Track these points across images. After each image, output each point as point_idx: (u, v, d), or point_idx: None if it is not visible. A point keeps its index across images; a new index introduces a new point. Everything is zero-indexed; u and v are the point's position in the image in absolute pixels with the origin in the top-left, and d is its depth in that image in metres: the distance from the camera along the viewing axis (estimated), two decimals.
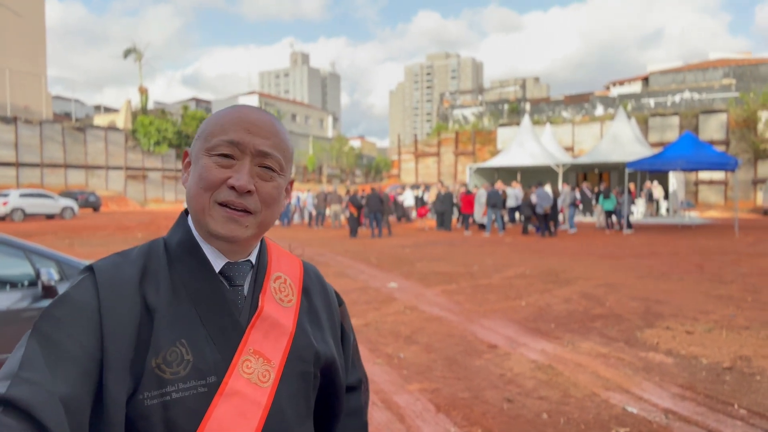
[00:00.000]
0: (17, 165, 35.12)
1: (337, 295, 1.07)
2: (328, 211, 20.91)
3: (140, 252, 0.86)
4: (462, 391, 4.04)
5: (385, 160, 63.89)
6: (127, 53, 49.85)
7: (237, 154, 0.83)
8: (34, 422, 0.64)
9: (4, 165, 34.53)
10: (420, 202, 19.98)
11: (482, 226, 18.49)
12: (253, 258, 0.91)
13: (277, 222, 22.59)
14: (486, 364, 4.64)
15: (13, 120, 35.32)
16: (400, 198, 24.21)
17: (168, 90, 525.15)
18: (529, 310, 6.62)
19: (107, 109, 50.53)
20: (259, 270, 0.92)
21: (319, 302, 1.00)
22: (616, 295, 7.44)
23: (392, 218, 23.11)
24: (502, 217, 18.49)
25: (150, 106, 50.14)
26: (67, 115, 48.78)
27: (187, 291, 0.83)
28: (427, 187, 28.81)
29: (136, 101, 47.27)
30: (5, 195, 24.31)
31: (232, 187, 0.82)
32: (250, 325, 0.85)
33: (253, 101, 61.09)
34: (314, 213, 21.05)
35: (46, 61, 44.41)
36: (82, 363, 0.71)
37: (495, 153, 34.89)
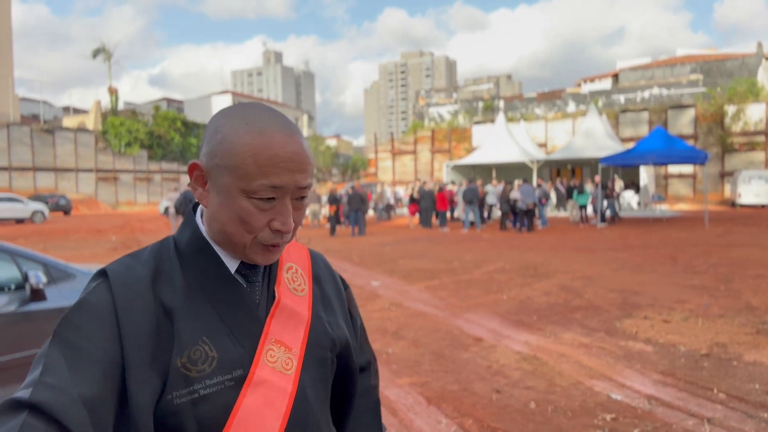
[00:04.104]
0: None
1: (342, 280, 1.09)
2: (307, 210, 20.84)
3: (151, 253, 0.86)
4: (451, 383, 4.11)
5: (361, 159, 63.88)
6: (96, 53, 48.76)
7: (278, 195, 0.82)
8: (58, 425, 0.65)
9: None
10: (411, 199, 20.03)
11: (472, 223, 18.66)
12: None
13: None
14: (473, 357, 4.72)
15: None
16: (386, 196, 24.25)
17: (135, 90, 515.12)
18: (511, 303, 6.74)
19: (76, 111, 49.38)
20: (272, 263, 0.93)
21: (330, 288, 1.02)
22: (594, 287, 7.61)
23: (373, 216, 23.17)
24: (481, 214, 18.69)
25: (120, 106, 49.18)
26: (35, 117, 47.59)
27: (203, 290, 0.84)
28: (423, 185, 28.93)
29: (105, 102, 46.31)
30: None
31: (277, 230, 0.82)
32: (270, 315, 0.87)
33: (227, 101, 60.37)
34: None
35: (13, 63, 43.23)
36: (103, 365, 0.72)
37: (471, 150, 35.20)
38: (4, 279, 3.10)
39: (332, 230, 16.99)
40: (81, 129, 41.16)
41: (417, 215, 19.95)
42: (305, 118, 75.93)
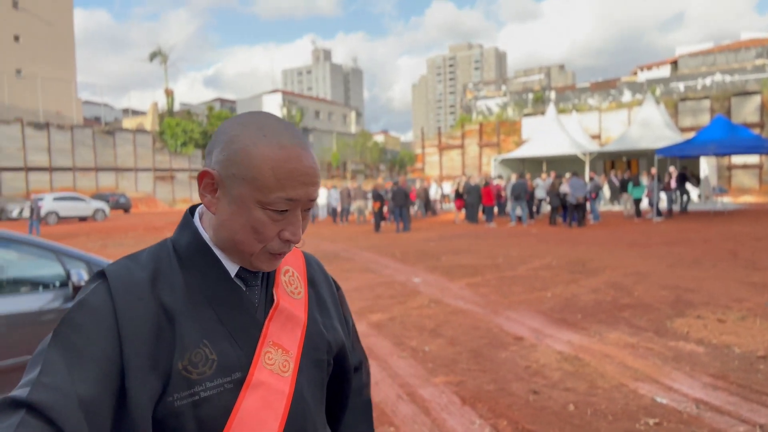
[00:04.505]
0: (50, 169, 36.14)
1: (334, 281, 1.11)
2: (353, 207, 20.97)
3: (150, 254, 0.87)
4: (487, 383, 4.03)
5: (409, 154, 63.74)
6: (153, 56, 50.71)
7: (292, 207, 0.83)
8: (54, 426, 0.66)
9: (38, 170, 35.56)
10: (457, 194, 19.85)
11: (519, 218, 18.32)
12: None
13: None
14: (511, 356, 4.61)
15: (45, 126, 36.31)
16: (426, 191, 24.12)
17: (191, 91, 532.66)
18: (555, 301, 6.55)
19: (135, 112, 51.53)
20: None
21: (325, 291, 1.04)
22: (645, 284, 7.30)
23: (419, 212, 23.08)
24: (530, 208, 18.31)
25: (176, 107, 50.96)
26: (97, 120, 49.97)
27: (203, 293, 0.84)
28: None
29: (162, 103, 48.14)
30: (40, 199, 25.04)
31: (287, 240, 0.84)
32: (269, 317, 0.88)
33: (277, 99, 61.53)
34: (339, 209, 21.14)
35: (76, 67, 45.51)
36: (102, 366, 0.72)
37: (520, 143, 34.46)
38: (48, 276, 3.25)
39: (377, 226, 17.03)
40: (139, 130, 42.95)
41: (463, 211, 19.73)
42: (353, 114, 76.40)
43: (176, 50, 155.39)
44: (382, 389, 3.98)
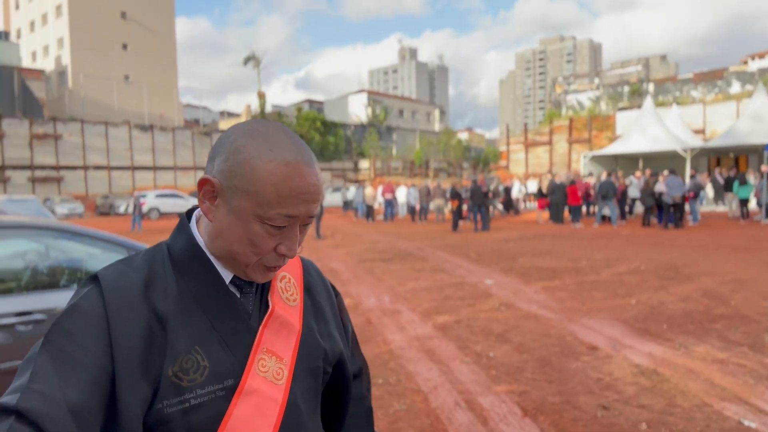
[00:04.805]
0: (154, 168, 39.06)
1: (333, 287, 1.09)
2: (432, 205, 20.81)
3: (144, 259, 0.86)
4: (553, 395, 3.79)
5: (494, 152, 62.46)
6: (247, 60, 53.26)
7: (291, 223, 0.82)
8: None
9: (143, 169, 38.54)
10: (539, 193, 19.20)
11: (604, 218, 17.40)
12: None
13: (380, 217, 22.93)
14: (583, 367, 4.32)
15: (150, 128, 39.31)
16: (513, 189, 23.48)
17: (284, 93, 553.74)
18: (638, 308, 6.08)
19: (230, 114, 54.50)
20: None
21: (322, 297, 1.02)
22: (745, 293, 6.61)
23: (495, 211, 22.51)
24: (621, 208, 17.30)
25: (268, 109, 53.21)
26: (196, 121, 53.26)
27: (196, 299, 0.83)
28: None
29: (254, 105, 50.44)
30: (144, 196, 27.09)
31: (283, 254, 0.84)
32: (263, 324, 0.87)
33: (362, 99, 62.62)
34: (418, 207, 21.08)
35: (177, 73, 48.86)
36: (92, 373, 0.72)
37: (613, 139, 32.61)
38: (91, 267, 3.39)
39: (454, 225, 16.76)
40: None
41: (546, 210, 18.98)
42: (437, 112, 75.98)
43: (269, 54, 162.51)
44: (440, 395, 3.86)
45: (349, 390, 1.02)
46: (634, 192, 18.26)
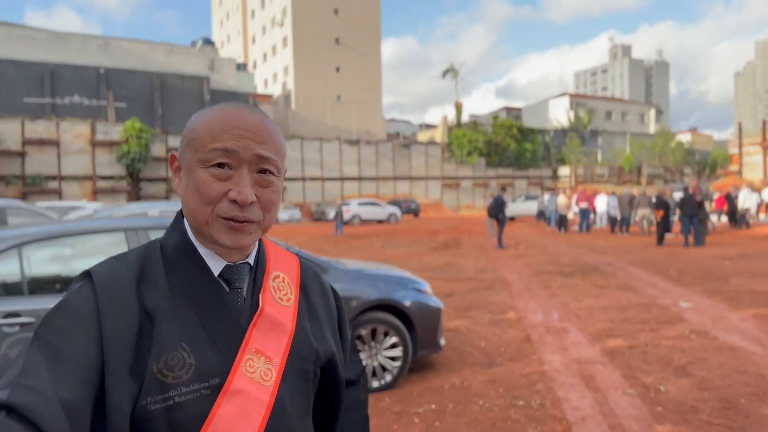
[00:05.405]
0: (359, 179, 42.46)
1: (334, 291, 1.05)
2: (636, 215, 18.78)
3: (137, 255, 0.86)
4: None
5: (723, 155, 54.19)
6: (445, 73, 54.82)
7: (233, 162, 0.81)
8: (33, 427, 0.66)
9: (350, 179, 42.17)
10: None
11: None
12: (251, 260, 0.91)
13: (575, 228, 21.38)
14: None
15: (356, 142, 42.92)
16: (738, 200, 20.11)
17: (483, 102, 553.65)
18: None
19: (428, 126, 56.66)
20: (258, 270, 0.92)
21: (318, 299, 0.99)
22: None
23: (720, 224, 19.40)
24: None
25: (465, 119, 53.93)
26: (397, 135, 56.49)
27: (186, 295, 0.83)
28: None
29: (451, 116, 51.58)
30: (347, 204, 29.57)
31: (234, 201, 0.81)
32: (252, 324, 0.85)
33: (564, 103, 59.72)
34: (618, 217, 19.24)
35: (381, 91, 52.56)
36: (82, 369, 0.72)
37: None
38: None
39: (659, 239, 14.83)
40: (431, 142, 47.27)
41: None
42: (652, 113, 68.60)
43: (468, 65, 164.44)
44: (586, 427, 3.48)
45: (340, 395, 0.99)
46: None
